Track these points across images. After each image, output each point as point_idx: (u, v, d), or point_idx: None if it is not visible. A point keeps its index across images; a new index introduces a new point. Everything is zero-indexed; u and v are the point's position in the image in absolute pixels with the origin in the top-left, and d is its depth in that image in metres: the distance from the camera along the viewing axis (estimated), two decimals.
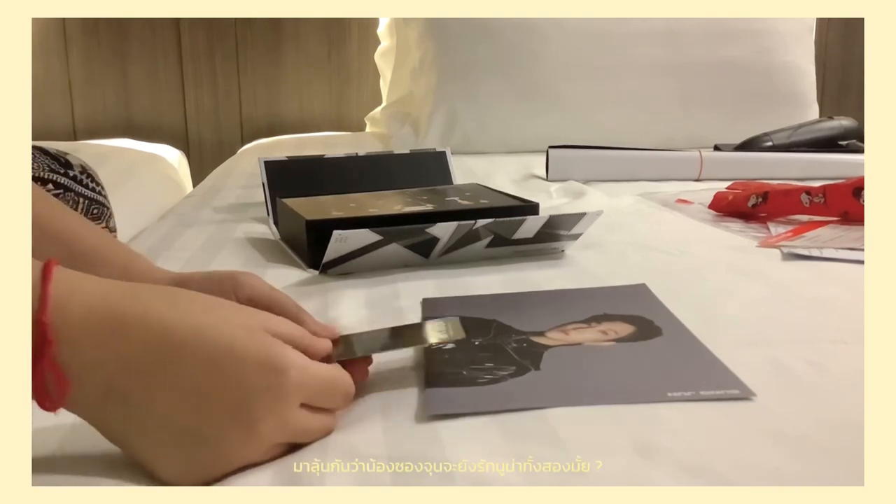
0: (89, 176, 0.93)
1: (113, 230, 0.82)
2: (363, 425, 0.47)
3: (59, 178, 0.89)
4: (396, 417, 0.48)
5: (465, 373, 0.53)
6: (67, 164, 0.92)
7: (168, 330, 0.41)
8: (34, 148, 0.92)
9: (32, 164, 0.88)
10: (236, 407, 0.41)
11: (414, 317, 0.66)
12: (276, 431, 0.43)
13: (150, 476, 0.42)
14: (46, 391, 0.39)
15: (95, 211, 0.87)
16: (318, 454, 0.43)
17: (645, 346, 0.58)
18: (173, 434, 0.41)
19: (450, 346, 0.58)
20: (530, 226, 0.81)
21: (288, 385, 0.42)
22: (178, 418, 0.41)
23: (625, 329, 0.61)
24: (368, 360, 0.54)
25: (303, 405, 0.44)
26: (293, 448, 0.45)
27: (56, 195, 0.84)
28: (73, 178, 0.89)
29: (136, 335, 0.40)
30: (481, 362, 0.55)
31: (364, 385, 0.52)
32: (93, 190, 0.91)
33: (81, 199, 0.89)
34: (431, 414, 0.48)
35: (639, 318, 0.63)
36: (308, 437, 0.45)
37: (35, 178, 0.86)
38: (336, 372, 0.47)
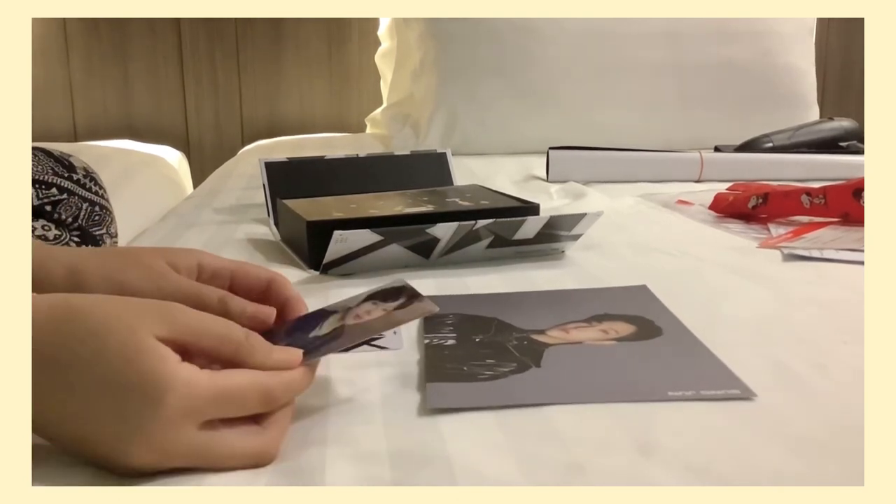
0: (92, 179, 0.93)
1: (114, 235, 0.82)
2: (363, 422, 0.47)
3: (62, 181, 0.89)
4: (397, 414, 0.48)
5: (465, 369, 0.53)
6: (71, 167, 0.91)
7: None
8: (38, 150, 0.92)
9: (36, 166, 0.87)
10: (113, 435, 0.39)
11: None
12: (155, 459, 0.40)
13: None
14: None
15: (97, 217, 0.87)
16: (318, 451, 0.43)
17: (645, 346, 0.58)
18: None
19: (450, 342, 0.58)
20: (530, 226, 0.81)
21: (165, 409, 0.39)
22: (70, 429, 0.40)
23: (625, 328, 0.61)
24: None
25: (207, 423, 0.40)
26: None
27: (59, 199, 0.84)
28: (77, 182, 0.89)
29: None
30: (482, 358, 0.55)
31: (363, 381, 0.52)
32: (95, 193, 0.91)
33: (84, 204, 0.89)
34: (431, 408, 0.48)
35: (639, 318, 0.64)
36: (224, 458, 0.41)
37: (38, 181, 0.85)
38: (241, 376, 0.42)
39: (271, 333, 0.51)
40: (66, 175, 0.90)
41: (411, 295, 0.53)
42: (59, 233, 0.78)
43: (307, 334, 0.50)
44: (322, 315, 0.53)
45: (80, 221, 0.83)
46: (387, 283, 0.55)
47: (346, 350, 0.50)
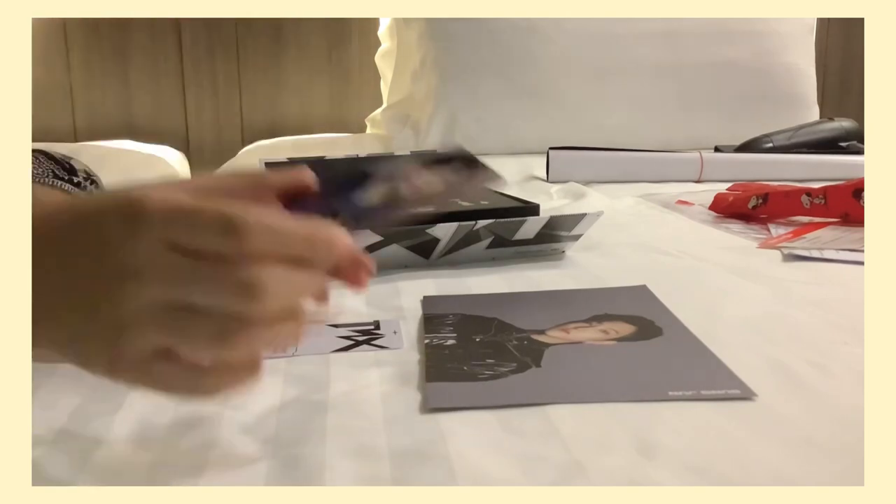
0: (93, 182, 0.92)
1: None
2: (364, 421, 0.47)
3: (63, 184, 0.88)
4: (397, 413, 0.48)
5: (465, 368, 0.53)
6: (72, 170, 0.91)
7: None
8: (39, 152, 0.92)
9: (37, 169, 0.87)
10: (97, 263, 0.35)
11: (414, 317, 0.66)
12: (142, 281, 0.34)
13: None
14: None
15: None
16: (318, 450, 0.44)
17: (646, 346, 0.58)
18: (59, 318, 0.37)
19: (450, 342, 0.58)
20: (531, 227, 0.81)
21: (141, 219, 0.34)
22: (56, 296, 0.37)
23: (626, 329, 0.61)
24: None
25: (179, 249, 0.34)
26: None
27: None
28: (78, 185, 0.89)
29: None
30: (482, 358, 0.55)
31: (363, 380, 0.52)
32: None
33: None
34: (432, 407, 0.48)
35: (640, 318, 0.64)
36: (198, 287, 0.34)
37: (39, 185, 0.85)
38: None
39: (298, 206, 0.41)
40: (66, 178, 0.89)
41: (467, 160, 0.42)
42: None
43: (350, 199, 0.41)
44: (351, 183, 0.42)
45: None
46: (435, 150, 0.45)
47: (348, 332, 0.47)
